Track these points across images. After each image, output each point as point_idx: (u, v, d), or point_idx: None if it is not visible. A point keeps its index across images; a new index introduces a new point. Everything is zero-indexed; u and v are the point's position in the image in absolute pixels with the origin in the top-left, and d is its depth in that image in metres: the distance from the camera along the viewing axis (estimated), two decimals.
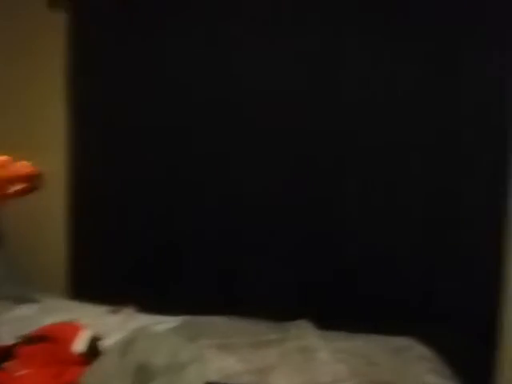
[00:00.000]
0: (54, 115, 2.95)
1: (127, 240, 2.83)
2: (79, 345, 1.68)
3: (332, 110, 2.56)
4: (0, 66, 3.11)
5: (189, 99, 2.72)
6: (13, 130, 3.06)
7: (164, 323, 2.28)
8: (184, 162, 2.76)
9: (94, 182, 2.86)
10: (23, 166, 1.79)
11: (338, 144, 2.57)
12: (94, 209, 2.88)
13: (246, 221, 2.69)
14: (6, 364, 1.64)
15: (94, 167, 2.85)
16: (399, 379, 1.83)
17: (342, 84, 2.54)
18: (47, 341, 1.71)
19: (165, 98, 2.75)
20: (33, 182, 1.84)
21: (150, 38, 2.75)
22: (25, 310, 2.43)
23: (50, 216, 3.05)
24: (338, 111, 2.56)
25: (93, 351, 1.72)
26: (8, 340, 1.84)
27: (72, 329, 1.77)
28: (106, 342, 1.84)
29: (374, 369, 1.91)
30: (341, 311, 2.55)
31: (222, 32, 2.66)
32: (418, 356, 2.04)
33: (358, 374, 1.83)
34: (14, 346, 1.74)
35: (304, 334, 2.09)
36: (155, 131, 2.77)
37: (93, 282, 2.84)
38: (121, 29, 2.79)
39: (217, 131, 2.69)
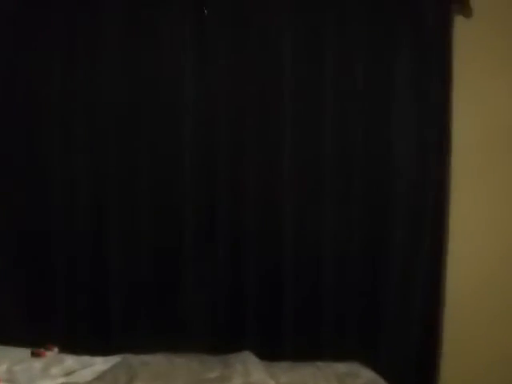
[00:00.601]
0: None
1: (48, 277, 2.57)
2: None
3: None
4: None
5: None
6: None
7: (92, 366, 2.06)
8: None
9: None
10: None
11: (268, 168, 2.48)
12: (12, 244, 2.59)
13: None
14: None
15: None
16: None
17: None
18: None
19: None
20: None
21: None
22: None
23: None
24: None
25: None
26: None
27: None
28: None
29: None
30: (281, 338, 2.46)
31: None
32: (365, 383, 1.98)
33: None
34: None
35: (248, 368, 1.96)
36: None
37: (10, 321, 2.55)
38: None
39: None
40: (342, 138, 2.42)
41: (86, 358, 2.16)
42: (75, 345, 2.33)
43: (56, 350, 2.29)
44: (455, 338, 2.37)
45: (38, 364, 2.09)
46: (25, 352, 2.24)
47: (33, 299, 2.58)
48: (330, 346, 2.39)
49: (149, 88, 2.49)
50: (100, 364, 2.08)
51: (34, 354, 2.23)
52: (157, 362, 2.08)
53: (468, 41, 2.33)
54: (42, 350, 2.25)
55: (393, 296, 2.41)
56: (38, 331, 2.42)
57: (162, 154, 2.51)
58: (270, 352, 2.27)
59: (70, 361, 2.13)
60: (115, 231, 2.52)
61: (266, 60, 2.45)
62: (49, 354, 2.24)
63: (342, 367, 2.11)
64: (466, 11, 2.30)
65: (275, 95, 2.45)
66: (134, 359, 2.08)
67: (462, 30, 2.32)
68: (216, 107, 2.47)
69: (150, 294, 2.52)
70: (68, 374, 2.01)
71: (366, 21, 2.39)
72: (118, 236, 2.52)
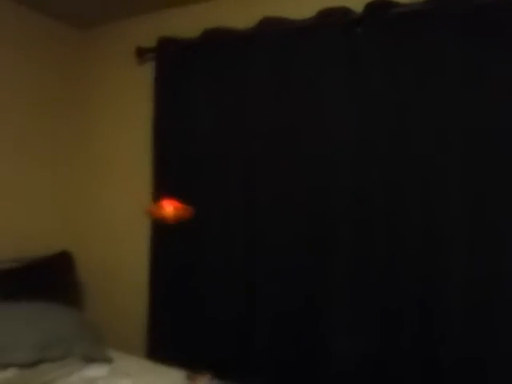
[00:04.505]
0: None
1: (207, 306, 2.65)
2: None
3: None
4: (90, 116, 3.21)
5: (273, 152, 2.51)
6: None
7: None
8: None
9: (174, 250, 2.75)
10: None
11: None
12: (176, 271, 2.74)
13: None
14: None
15: (172, 236, 2.73)
16: None
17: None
18: None
19: (248, 152, 2.59)
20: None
21: (232, 89, 2.63)
22: (95, 371, 2.28)
23: (132, 276, 3.02)
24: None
25: None
26: None
27: None
28: None
29: None
30: None
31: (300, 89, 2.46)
32: None
33: None
34: None
35: None
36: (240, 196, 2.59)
37: (171, 342, 2.68)
38: (203, 78, 2.70)
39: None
40: None
41: None
42: (227, 373, 2.32)
43: (209, 376, 2.28)
44: None
45: None
46: (180, 375, 2.28)
47: (191, 327, 2.69)
48: None
49: (301, 131, 2.45)
50: None
51: (189, 379, 2.25)
52: None
53: None
54: (196, 375, 2.26)
55: None
56: (193, 355, 2.48)
57: (314, 200, 2.41)
58: None
59: None
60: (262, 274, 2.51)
61: (424, 101, 2.19)
62: (202, 379, 2.24)
63: None
64: None
65: (441, 143, 2.15)
66: None
67: None
68: (370, 151, 2.29)
69: (298, 334, 2.42)
70: None
71: None
72: (267, 279, 2.50)
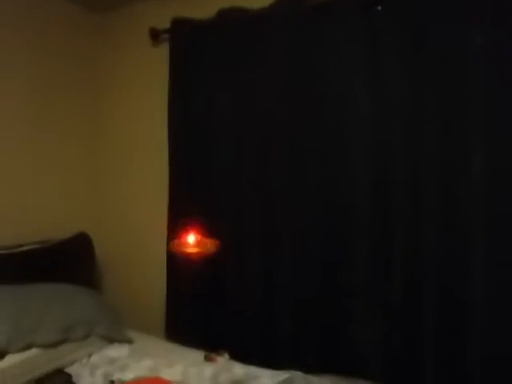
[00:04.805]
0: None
1: (226, 289, 2.66)
2: None
3: None
4: (106, 99, 3.20)
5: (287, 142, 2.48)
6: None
7: (259, 378, 2.03)
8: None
9: None
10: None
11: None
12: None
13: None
14: None
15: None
16: None
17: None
18: None
19: (258, 135, 2.55)
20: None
21: (247, 70, 2.59)
22: (116, 351, 2.34)
23: (151, 258, 3.05)
24: None
25: None
26: None
27: None
28: None
29: None
30: None
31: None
32: None
33: None
34: None
35: None
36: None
37: (189, 325, 2.72)
38: (218, 59, 2.67)
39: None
40: None
41: (254, 370, 2.14)
42: (245, 352, 2.37)
43: (226, 355, 2.31)
44: None
45: (208, 369, 2.13)
46: (199, 355, 2.32)
47: (210, 308, 2.72)
48: None
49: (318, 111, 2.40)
50: (266, 378, 2.03)
51: (207, 359, 2.29)
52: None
53: None
54: (213, 355, 2.30)
55: None
56: (211, 338, 2.54)
57: (334, 183, 2.37)
58: None
59: (238, 370, 2.13)
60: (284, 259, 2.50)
61: (444, 85, 2.12)
62: (220, 359, 2.28)
63: None
64: None
65: (460, 129, 2.08)
66: (300, 380, 1.99)
67: None
68: (386, 137, 2.24)
69: (319, 320, 2.43)
70: None
71: None
72: (285, 264, 2.49)
